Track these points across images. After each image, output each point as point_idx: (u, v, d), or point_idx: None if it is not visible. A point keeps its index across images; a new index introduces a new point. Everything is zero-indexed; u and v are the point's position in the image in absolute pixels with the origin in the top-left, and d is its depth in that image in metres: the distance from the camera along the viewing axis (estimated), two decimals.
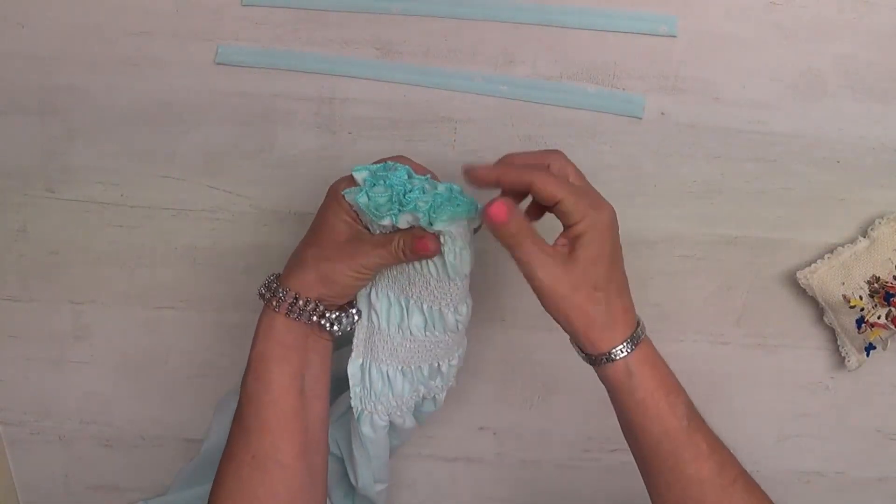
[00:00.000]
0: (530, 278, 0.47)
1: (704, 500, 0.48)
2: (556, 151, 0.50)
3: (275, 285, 0.51)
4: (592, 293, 0.47)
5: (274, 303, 0.50)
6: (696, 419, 0.49)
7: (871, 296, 0.61)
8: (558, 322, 0.49)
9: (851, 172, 0.63)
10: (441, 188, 0.50)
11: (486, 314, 0.66)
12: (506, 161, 0.50)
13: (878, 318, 0.61)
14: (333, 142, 0.63)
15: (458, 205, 0.49)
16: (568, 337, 0.50)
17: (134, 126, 0.63)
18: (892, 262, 0.61)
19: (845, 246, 0.62)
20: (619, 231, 0.49)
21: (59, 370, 0.68)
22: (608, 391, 0.50)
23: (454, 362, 0.56)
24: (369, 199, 0.49)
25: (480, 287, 0.65)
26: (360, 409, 0.55)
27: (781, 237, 0.64)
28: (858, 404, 0.67)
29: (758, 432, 0.67)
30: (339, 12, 0.62)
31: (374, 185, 0.49)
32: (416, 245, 0.48)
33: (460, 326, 0.54)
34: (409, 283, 0.52)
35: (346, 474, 0.61)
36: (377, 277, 0.53)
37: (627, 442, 0.51)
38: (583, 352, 0.50)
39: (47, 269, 0.66)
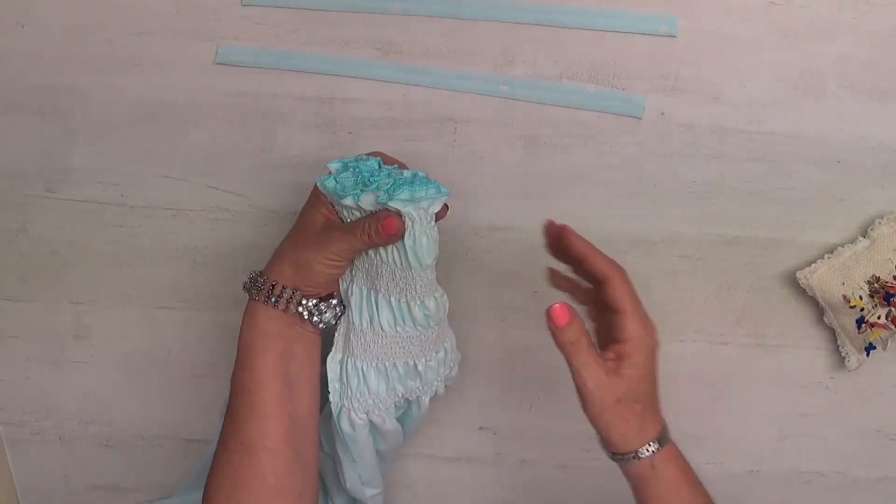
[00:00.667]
0: (581, 387, 0.50)
1: None
2: (621, 268, 0.53)
3: (259, 279, 0.53)
4: (633, 406, 0.50)
5: (253, 292, 0.53)
6: None
7: (871, 296, 0.61)
8: (596, 426, 0.52)
9: (851, 172, 0.63)
10: (406, 173, 0.52)
11: (486, 314, 0.66)
12: (591, 245, 0.53)
13: (878, 318, 0.61)
14: (333, 142, 0.63)
15: (418, 186, 0.50)
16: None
17: (134, 126, 0.63)
18: (892, 262, 0.61)
19: (845, 246, 0.62)
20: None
21: (59, 370, 0.68)
22: (632, 485, 0.52)
23: (432, 363, 0.56)
24: (336, 182, 0.51)
25: (480, 287, 0.65)
26: (338, 405, 0.55)
27: (781, 237, 0.64)
28: (858, 404, 0.67)
29: (758, 432, 0.67)
30: (339, 12, 0.62)
31: (344, 170, 0.52)
32: (382, 224, 0.49)
33: (431, 322, 0.54)
34: (378, 276, 0.53)
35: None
36: (353, 272, 0.54)
37: None
38: (608, 450, 0.52)
39: (47, 269, 0.66)
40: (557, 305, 0.50)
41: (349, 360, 0.54)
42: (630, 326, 0.51)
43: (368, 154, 0.54)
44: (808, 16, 0.61)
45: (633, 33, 0.62)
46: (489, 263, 0.64)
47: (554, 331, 0.50)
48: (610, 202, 0.63)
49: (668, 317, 0.65)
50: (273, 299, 0.52)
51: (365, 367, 0.54)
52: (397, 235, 0.50)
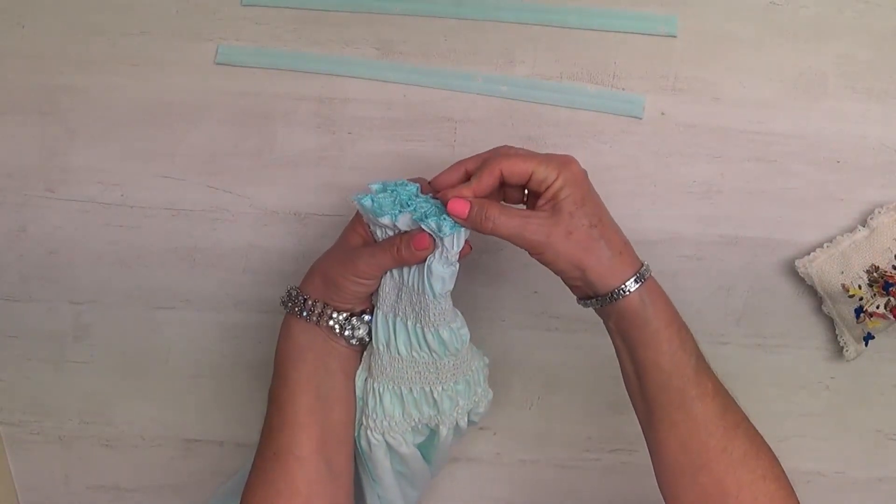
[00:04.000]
0: (524, 242, 0.49)
1: (708, 442, 0.49)
2: (502, 147, 0.53)
3: (293, 293, 0.54)
4: (589, 230, 0.49)
5: (288, 306, 0.54)
6: (702, 360, 0.51)
7: (870, 285, 0.61)
8: (566, 272, 0.50)
9: (851, 172, 0.63)
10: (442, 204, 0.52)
11: (486, 314, 0.66)
12: (458, 163, 0.52)
13: (877, 307, 0.61)
14: (333, 142, 0.63)
15: (450, 221, 0.50)
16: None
17: (134, 126, 0.63)
18: (892, 252, 0.61)
19: (844, 235, 0.62)
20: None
21: (59, 370, 0.68)
22: (620, 333, 0.51)
23: (449, 392, 0.55)
24: (373, 201, 0.51)
25: (480, 287, 0.65)
26: (359, 422, 0.56)
27: (781, 237, 0.64)
28: (858, 404, 0.67)
29: None
30: (339, 12, 0.62)
31: (383, 191, 0.53)
32: (414, 240, 0.50)
33: (446, 351, 0.54)
34: (398, 299, 0.53)
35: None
36: (379, 294, 0.54)
37: (632, 387, 0.52)
38: (594, 297, 0.50)
39: (47, 269, 0.66)
40: (450, 202, 0.49)
41: (369, 379, 0.55)
42: (544, 172, 0.49)
43: (410, 180, 0.54)
44: (808, 16, 0.61)
45: (633, 33, 0.62)
46: (489, 263, 0.64)
47: (464, 221, 0.49)
48: (610, 202, 0.63)
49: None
50: (304, 313, 0.53)
51: (381, 389, 0.55)
52: (426, 252, 0.50)
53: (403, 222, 0.51)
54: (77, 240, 0.65)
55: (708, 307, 0.65)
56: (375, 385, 0.55)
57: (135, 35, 0.62)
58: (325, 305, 0.53)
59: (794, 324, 0.65)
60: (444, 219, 0.50)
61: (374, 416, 0.55)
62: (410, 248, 0.50)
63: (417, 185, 0.53)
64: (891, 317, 0.61)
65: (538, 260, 0.50)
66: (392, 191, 0.52)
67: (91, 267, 0.66)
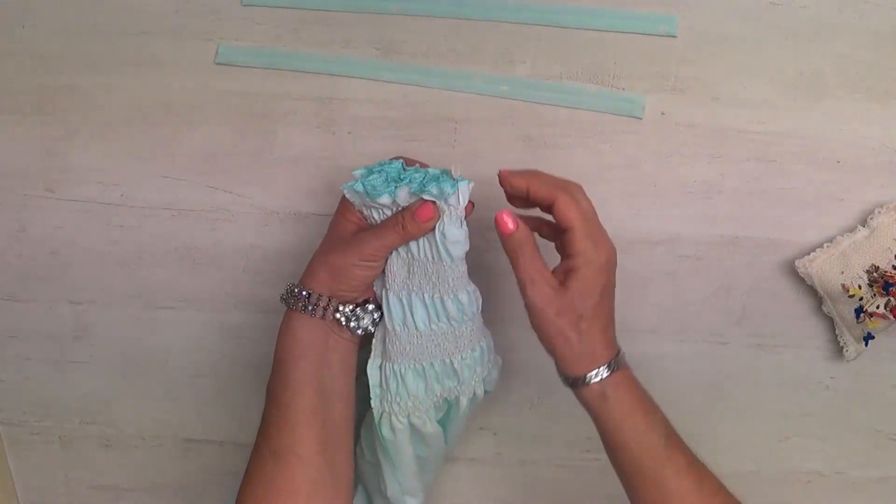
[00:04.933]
0: (523, 293, 0.51)
1: None
2: (577, 184, 0.53)
3: (294, 289, 0.53)
4: (576, 322, 0.50)
5: (290, 302, 0.53)
6: (673, 438, 0.52)
7: (870, 285, 0.61)
8: (541, 341, 0.52)
9: (851, 172, 0.63)
10: (432, 171, 0.53)
11: (486, 314, 0.66)
12: (535, 174, 0.52)
13: (877, 307, 0.61)
14: (333, 142, 0.63)
15: (445, 181, 0.51)
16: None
17: (134, 126, 0.63)
18: (892, 252, 0.61)
19: (844, 235, 0.62)
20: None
21: (59, 370, 0.68)
22: (589, 413, 0.52)
23: (468, 360, 0.56)
24: (364, 185, 0.51)
25: (480, 287, 0.65)
26: (379, 410, 0.56)
27: (781, 237, 0.64)
28: (858, 404, 0.67)
29: (758, 432, 0.67)
30: (339, 12, 0.62)
31: (370, 174, 0.52)
32: (417, 212, 0.50)
33: (464, 317, 0.54)
34: (410, 275, 0.53)
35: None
36: (384, 277, 0.54)
37: (612, 463, 0.53)
38: (561, 374, 0.52)
39: (47, 269, 0.66)
40: (504, 213, 0.51)
41: (387, 364, 0.55)
42: (577, 241, 0.50)
43: (390, 159, 0.54)
44: (808, 16, 0.61)
45: (633, 33, 0.62)
46: (489, 263, 0.64)
47: (501, 237, 0.51)
48: (610, 202, 0.63)
49: (668, 317, 0.65)
50: (310, 308, 0.52)
51: (402, 370, 0.55)
52: (433, 222, 0.51)
53: (402, 197, 0.51)
54: (77, 240, 0.65)
55: (708, 307, 0.65)
56: (395, 367, 0.55)
57: (135, 35, 0.62)
58: (331, 299, 0.52)
59: (794, 324, 0.65)
60: (444, 180, 0.50)
61: (398, 399, 0.55)
62: (416, 221, 0.50)
63: (401, 160, 0.53)
64: (891, 317, 0.61)
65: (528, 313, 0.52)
66: (378, 171, 0.52)
67: (91, 267, 0.66)
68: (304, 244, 0.65)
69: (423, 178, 0.51)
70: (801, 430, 0.67)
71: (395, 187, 0.51)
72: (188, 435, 0.69)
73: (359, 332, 0.54)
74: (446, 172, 0.52)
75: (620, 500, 0.69)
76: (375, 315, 0.55)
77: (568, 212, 0.50)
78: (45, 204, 0.65)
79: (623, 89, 0.62)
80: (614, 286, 0.53)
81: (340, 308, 0.53)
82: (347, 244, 0.52)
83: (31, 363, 0.68)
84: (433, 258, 0.52)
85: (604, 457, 0.68)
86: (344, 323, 0.53)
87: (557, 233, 0.54)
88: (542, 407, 0.67)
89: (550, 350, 0.51)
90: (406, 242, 0.52)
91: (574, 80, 0.62)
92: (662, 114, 0.62)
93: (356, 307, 0.53)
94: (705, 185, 0.63)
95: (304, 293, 0.52)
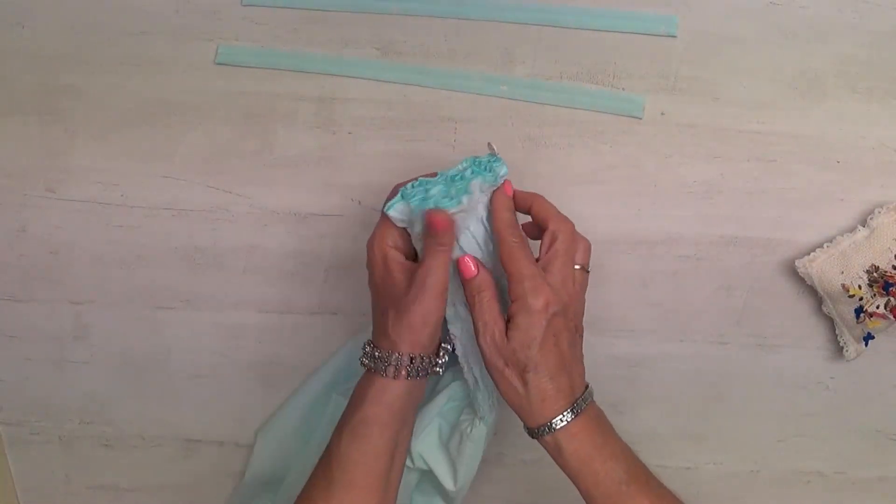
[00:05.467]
0: (477, 341, 0.51)
1: None
2: (565, 221, 0.52)
3: (384, 353, 0.51)
4: (522, 374, 0.50)
5: (391, 371, 0.50)
6: (637, 479, 0.50)
7: (870, 285, 0.61)
8: (498, 393, 0.51)
9: (851, 172, 0.63)
10: (465, 164, 0.53)
11: None
12: (535, 200, 0.53)
13: (877, 307, 0.61)
14: (333, 142, 0.63)
15: (487, 172, 0.52)
16: None
17: (134, 126, 0.63)
18: (892, 252, 0.61)
19: (844, 235, 0.62)
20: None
21: (59, 370, 0.68)
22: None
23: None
24: (422, 201, 0.50)
25: None
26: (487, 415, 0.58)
27: (781, 237, 0.64)
28: (858, 404, 0.67)
29: (758, 432, 0.67)
30: (339, 12, 0.62)
31: (411, 195, 0.51)
32: (432, 226, 0.49)
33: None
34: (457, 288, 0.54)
35: (430, 486, 0.62)
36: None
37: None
38: (523, 424, 0.52)
39: (47, 269, 0.66)
40: (467, 257, 0.51)
41: (473, 368, 0.56)
42: (511, 287, 0.50)
43: (403, 187, 0.53)
44: (808, 16, 0.61)
45: (633, 33, 0.62)
46: None
47: (463, 281, 0.51)
48: (610, 202, 0.63)
49: (668, 317, 0.65)
50: (415, 371, 0.51)
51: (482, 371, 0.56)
52: (451, 224, 0.50)
53: (476, 190, 0.51)
54: (77, 240, 0.65)
55: (708, 307, 0.65)
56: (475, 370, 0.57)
57: (135, 35, 0.62)
58: (430, 357, 0.51)
59: (794, 324, 0.65)
60: (480, 170, 0.51)
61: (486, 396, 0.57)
62: (439, 233, 0.49)
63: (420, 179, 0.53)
64: (891, 317, 0.61)
65: None
66: (412, 194, 0.51)
67: (91, 267, 0.66)
68: (304, 244, 0.65)
69: (462, 177, 0.51)
70: (801, 430, 0.67)
71: (463, 188, 0.50)
72: (188, 435, 0.69)
73: (442, 373, 0.54)
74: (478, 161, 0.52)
75: None
76: (450, 349, 0.54)
77: (509, 257, 0.50)
78: (45, 204, 0.65)
79: (623, 89, 0.62)
80: (565, 331, 0.51)
81: (436, 361, 0.52)
82: (413, 294, 0.50)
83: (31, 363, 0.68)
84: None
85: None
86: (441, 371, 0.53)
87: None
88: None
89: (505, 400, 0.51)
90: (450, 256, 0.51)
91: (574, 80, 0.62)
92: (662, 114, 0.62)
93: (443, 352, 0.53)
94: (705, 185, 0.63)
95: (403, 359, 0.50)
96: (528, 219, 0.54)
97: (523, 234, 0.52)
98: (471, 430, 0.58)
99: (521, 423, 0.52)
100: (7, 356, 0.67)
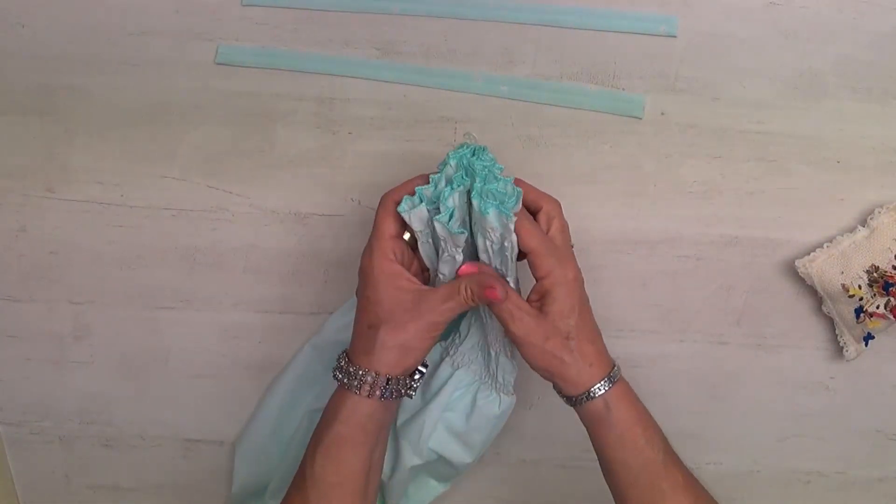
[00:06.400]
0: (507, 331, 0.51)
1: None
2: (555, 200, 0.53)
3: (359, 371, 0.50)
4: (564, 342, 0.50)
5: (365, 390, 0.50)
6: (671, 454, 0.52)
7: (870, 285, 0.61)
8: (537, 371, 0.52)
9: (851, 172, 0.63)
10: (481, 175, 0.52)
11: None
12: (521, 185, 0.53)
13: (877, 307, 0.61)
14: (333, 142, 0.63)
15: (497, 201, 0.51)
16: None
17: (134, 126, 0.63)
18: (892, 252, 0.61)
19: (844, 235, 0.62)
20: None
21: (59, 370, 0.68)
22: (589, 431, 0.52)
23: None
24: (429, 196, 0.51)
25: None
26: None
27: (781, 237, 0.64)
28: (858, 404, 0.67)
29: (758, 432, 0.67)
30: (339, 12, 0.62)
31: (420, 201, 0.51)
32: (487, 292, 0.50)
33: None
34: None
35: (424, 473, 0.63)
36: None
37: (607, 480, 0.53)
38: (563, 395, 0.52)
39: (47, 269, 0.66)
40: (463, 265, 0.51)
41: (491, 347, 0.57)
42: (542, 263, 0.50)
43: (408, 183, 0.53)
44: (808, 16, 0.61)
45: (633, 33, 0.62)
46: None
47: (465, 295, 0.50)
48: (610, 202, 0.63)
49: (668, 317, 0.65)
50: (389, 393, 0.50)
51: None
52: (500, 302, 0.50)
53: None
54: (77, 240, 0.65)
55: (708, 307, 0.65)
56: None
57: (135, 35, 0.62)
58: (407, 379, 0.51)
59: (794, 324, 0.65)
60: (491, 200, 0.50)
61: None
62: (483, 296, 0.50)
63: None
64: (891, 317, 0.61)
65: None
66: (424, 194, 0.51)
67: (91, 267, 0.66)
68: (304, 244, 0.65)
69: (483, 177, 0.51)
70: (801, 430, 0.67)
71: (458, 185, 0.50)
72: (188, 435, 0.69)
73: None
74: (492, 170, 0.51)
75: None
76: (425, 370, 0.54)
77: (525, 234, 0.50)
78: (45, 204, 0.65)
79: (623, 89, 0.62)
80: (588, 301, 0.53)
81: (411, 384, 0.52)
82: (415, 316, 0.50)
83: (31, 363, 0.68)
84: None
85: None
86: (412, 395, 0.52)
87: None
88: (542, 407, 0.67)
89: (548, 376, 0.52)
90: (468, 308, 0.51)
91: (574, 80, 0.62)
92: (662, 114, 0.62)
93: (418, 374, 0.53)
94: (705, 185, 0.63)
95: (379, 380, 0.49)
96: None
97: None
98: (499, 406, 0.59)
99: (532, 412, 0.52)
100: (7, 356, 0.67)
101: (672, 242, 0.64)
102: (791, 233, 0.64)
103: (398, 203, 0.51)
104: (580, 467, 0.68)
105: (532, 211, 0.53)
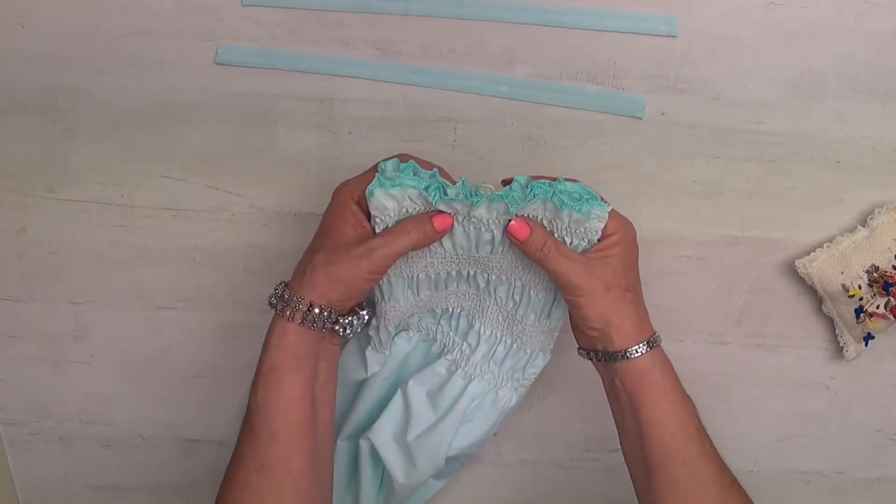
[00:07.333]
0: (565, 284, 0.51)
1: (705, 499, 0.50)
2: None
3: (286, 294, 0.51)
4: (624, 293, 0.51)
5: (288, 312, 0.50)
6: (701, 422, 0.53)
7: (870, 285, 0.61)
8: (591, 322, 0.51)
9: (851, 172, 0.63)
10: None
11: None
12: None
13: (877, 307, 0.61)
14: (333, 142, 0.63)
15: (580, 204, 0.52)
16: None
17: (134, 126, 0.63)
18: (892, 252, 0.61)
19: (844, 235, 0.62)
20: None
21: (59, 370, 0.68)
22: (626, 392, 0.52)
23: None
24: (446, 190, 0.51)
25: None
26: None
27: (781, 237, 0.64)
28: (858, 404, 0.67)
29: (758, 432, 0.67)
30: (339, 12, 0.62)
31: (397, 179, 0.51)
32: (436, 220, 0.51)
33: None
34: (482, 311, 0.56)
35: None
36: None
37: (631, 451, 0.53)
38: (607, 351, 0.52)
39: (47, 269, 0.66)
40: (513, 221, 0.51)
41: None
42: (611, 220, 0.52)
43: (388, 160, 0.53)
44: (808, 16, 0.61)
45: (633, 33, 0.62)
46: None
47: (520, 246, 0.51)
48: (610, 202, 0.63)
49: (668, 317, 0.65)
50: (308, 322, 0.50)
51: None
52: (446, 233, 0.52)
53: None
54: (77, 240, 0.65)
55: (708, 307, 0.65)
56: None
57: (135, 35, 0.62)
58: (331, 311, 0.51)
59: (794, 324, 0.65)
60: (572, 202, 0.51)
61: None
62: (433, 230, 0.51)
63: (410, 161, 0.53)
64: (891, 317, 0.61)
65: (569, 302, 0.52)
66: (402, 179, 0.51)
67: (91, 267, 0.66)
68: (304, 244, 0.64)
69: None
70: (801, 430, 0.67)
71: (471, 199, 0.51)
72: (188, 435, 0.69)
73: (349, 337, 0.54)
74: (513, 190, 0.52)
75: (620, 500, 0.69)
76: (365, 317, 0.55)
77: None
78: (45, 204, 0.65)
79: (623, 89, 0.62)
80: (638, 261, 0.54)
81: (340, 320, 0.52)
82: (354, 254, 0.50)
83: (31, 363, 0.68)
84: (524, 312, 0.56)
85: (604, 457, 0.69)
86: (341, 333, 0.52)
87: None
88: (542, 407, 0.67)
89: (604, 326, 0.51)
90: (410, 251, 0.51)
91: (574, 80, 0.62)
92: (662, 114, 0.62)
93: (353, 317, 0.53)
94: (705, 185, 0.63)
95: (302, 304, 0.50)
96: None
97: None
98: (516, 399, 0.60)
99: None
100: (7, 356, 0.67)
101: (672, 242, 0.64)
102: (791, 233, 0.64)
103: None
104: (580, 467, 0.68)
105: None
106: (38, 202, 0.65)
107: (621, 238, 0.52)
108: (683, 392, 0.53)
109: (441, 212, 0.51)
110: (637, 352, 0.51)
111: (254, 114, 0.63)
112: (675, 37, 0.61)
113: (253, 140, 0.63)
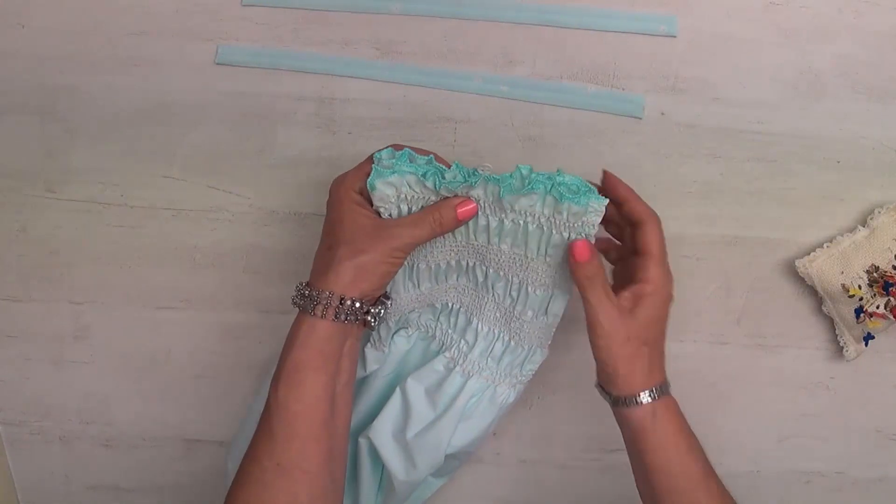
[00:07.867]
0: (593, 321, 0.51)
1: None
2: (657, 216, 0.54)
3: (314, 292, 0.50)
4: (640, 347, 0.51)
5: (319, 310, 0.50)
6: (709, 466, 0.53)
7: (870, 285, 0.61)
8: (601, 360, 0.52)
9: (851, 172, 0.63)
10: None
11: None
12: (632, 190, 0.54)
13: (877, 307, 0.61)
14: (333, 142, 0.63)
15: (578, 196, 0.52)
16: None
17: (134, 126, 0.63)
18: (892, 252, 0.61)
19: (844, 235, 0.62)
20: None
21: (59, 370, 0.68)
22: (630, 435, 0.53)
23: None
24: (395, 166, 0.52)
25: None
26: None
27: (781, 237, 0.64)
28: (858, 404, 0.67)
29: (758, 432, 0.67)
30: (339, 12, 0.62)
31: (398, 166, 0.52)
32: (459, 208, 0.52)
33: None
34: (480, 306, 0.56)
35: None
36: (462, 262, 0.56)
37: (641, 487, 0.54)
38: (610, 394, 0.53)
39: (47, 269, 0.66)
40: (581, 241, 0.51)
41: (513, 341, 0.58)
42: (654, 269, 0.52)
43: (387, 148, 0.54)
44: (808, 16, 0.61)
45: (633, 33, 0.62)
46: None
47: (574, 265, 0.51)
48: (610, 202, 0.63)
49: (669, 317, 0.65)
50: (343, 316, 0.50)
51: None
52: (469, 220, 0.52)
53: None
54: (77, 240, 0.65)
55: (708, 307, 0.65)
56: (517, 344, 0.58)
57: (135, 35, 0.62)
58: (363, 302, 0.50)
59: (794, 324, 0.65)
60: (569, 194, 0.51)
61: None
62: (455, 218, 0.52)
63: (405, 149, 0.53)
64: (891, 317, 0.61)
65: (590, 338, 0.52)
66: (397, 170, 0.52)
67: (91, 267, 0.66)
68: (304, 244, 0.65)
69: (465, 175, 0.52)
70: (801, 430, 0.67)
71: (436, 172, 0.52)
72: (188, 435, 0.69)
73: (375, 328, 0.54)
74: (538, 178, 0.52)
75: (620, 500, 0.69)
76: (389, 306, 0.55)
77: (654, 238, 0.52)
78: (45, 204, 0.65)
79: (623, 89, 0.62)
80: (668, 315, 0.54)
81: (371, 310, 0.51)
82: (374, 240, 0.50)
83: (31, 363, 0.68)
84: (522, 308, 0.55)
85: (604, 457, 0.69)
86: (373, 323, 0.52)
87: (623, 256, 0.55)
88: (542, 407, 0.67)
89: (611, 370, 0.52)
90: (434, 237, 0.52)
91: (574, 80, 0.62)
92: (662, 114, 0.62)
93: (380, 306, 0.53)
94: (705, 185, 0.63)
95: (333, 299, 0.49)
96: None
97: None
98: (515, 396, 0.59)
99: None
100: (7, 356, 0.67)
101: (672, 242, 0.64)
102: (791, 233, 0.64)
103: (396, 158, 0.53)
104: (580, 467, 0.68)
105: (629, 223, 0.54)
106: (38, 202, 0.65)
107: (656, 290, 0.52)
108: (690, 436, 0.53)
109: (465, 199, 0.52)
110: (641, 399, 0.51)
111: (253, 114, 0.63)
112: (674, 37, 0.61)
113: (253, 140, 0.64)
